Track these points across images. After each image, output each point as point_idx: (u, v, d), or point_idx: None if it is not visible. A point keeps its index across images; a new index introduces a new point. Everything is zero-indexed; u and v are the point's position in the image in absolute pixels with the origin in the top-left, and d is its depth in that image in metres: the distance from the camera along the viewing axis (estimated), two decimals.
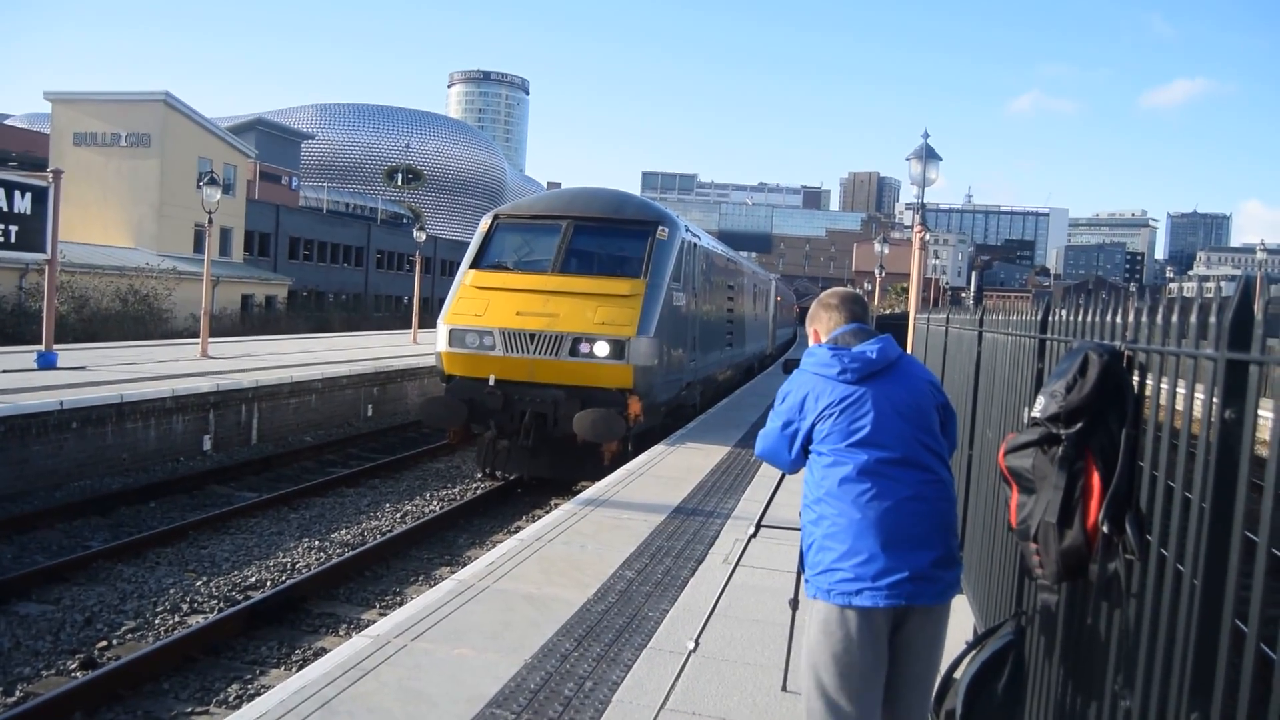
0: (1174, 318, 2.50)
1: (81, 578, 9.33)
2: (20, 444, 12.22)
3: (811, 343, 3.78)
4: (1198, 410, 2.29)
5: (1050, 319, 4.09)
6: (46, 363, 16.93)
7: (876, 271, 41.56)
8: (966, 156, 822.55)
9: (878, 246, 39.24)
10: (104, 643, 7.74)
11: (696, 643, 4.64)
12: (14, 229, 16.26)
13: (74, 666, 7.23)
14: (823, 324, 3.73)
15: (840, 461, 3.35)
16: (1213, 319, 2.23)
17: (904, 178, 17.85)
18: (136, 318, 33.95)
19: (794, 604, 4.64)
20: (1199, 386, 2.32)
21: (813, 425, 3.43)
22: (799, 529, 3.78)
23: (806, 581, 3.47)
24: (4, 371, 15.84)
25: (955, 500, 3.55)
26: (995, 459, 3.21)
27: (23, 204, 16.40)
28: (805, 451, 3.50)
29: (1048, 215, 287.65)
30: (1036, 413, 2.96)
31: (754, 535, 4.63)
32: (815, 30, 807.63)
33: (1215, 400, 2.18)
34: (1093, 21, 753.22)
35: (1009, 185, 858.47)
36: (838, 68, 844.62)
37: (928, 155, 16.84)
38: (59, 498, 12.29)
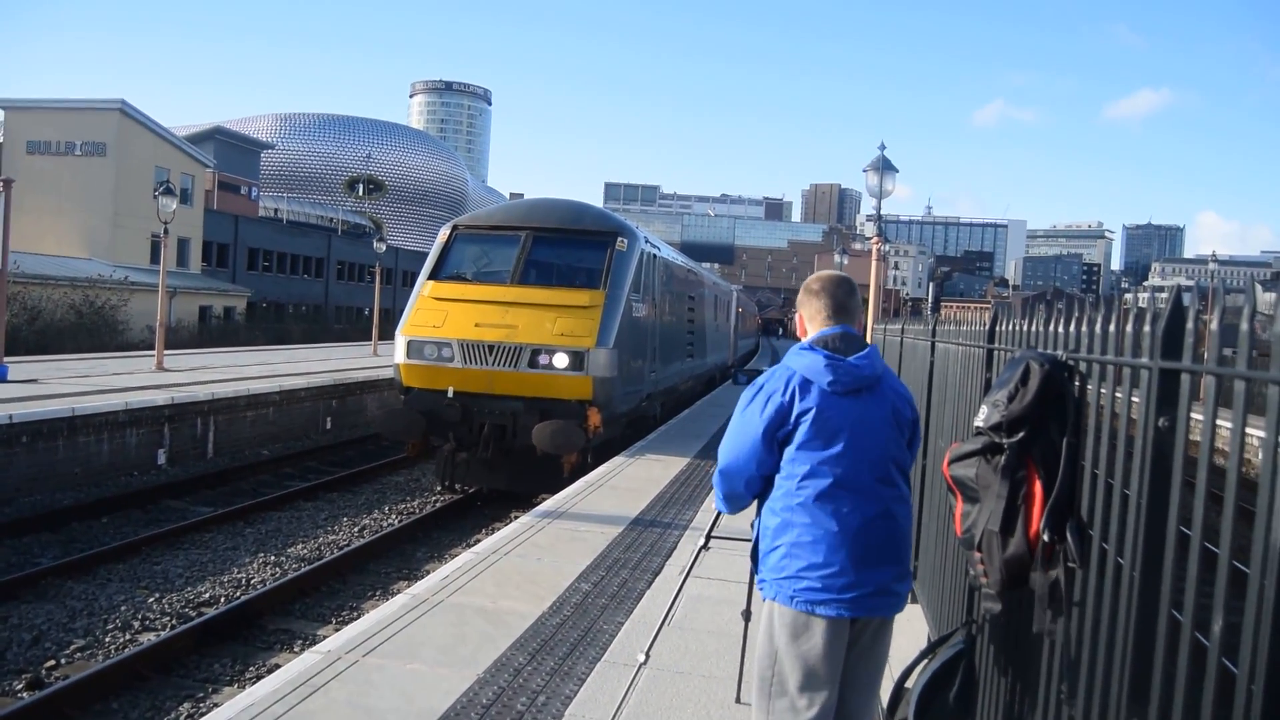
0: (1111, 328, 2.53)
1: (30, 595, 9.14)
2: None
3: (800, 329, 3.68)
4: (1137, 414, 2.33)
5: (997, 329, 4.13)
6: None
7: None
8: (930, 167, 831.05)
9: (838, 258, 39.49)
10: (52, 662, 7.60)
11: (647, 655, 4.61)
12: None
13: (20, 687, 7.08)
14: (809, 310, 3.62)
15: (817, 473, 3.31)
16: (1146, 329, 2.26)
17: (865, 189, 17.97)
18: (91, 330, 33.42)
19: (746, 615, 4.62)
20: (1135, 393, 2.36)
21: (793, 429, 3.37)
22: (749, 539, 3.77)
23: (762, 583, 3.44)
24: None
25: (913, 515, 3.57)
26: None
27: None
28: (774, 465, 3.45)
29: (1006, 227, 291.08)
30: (979, 422, 2.98)
31: (705, 546, 4.61)
32: (777, 45, 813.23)
33: (1151, 406, 2.21)
34: (1059, 29, 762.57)
35: (972, 195, 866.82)
36: (801, 79, 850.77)
37: (885, 167, 16.98)
38: (8, 513, 12.03)
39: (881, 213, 18.73)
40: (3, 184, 17.14)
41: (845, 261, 37.93)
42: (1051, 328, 3.18)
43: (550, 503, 9.98)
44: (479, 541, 10.52)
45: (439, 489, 14.50)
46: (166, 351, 22.47)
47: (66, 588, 9.40)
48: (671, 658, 5.56)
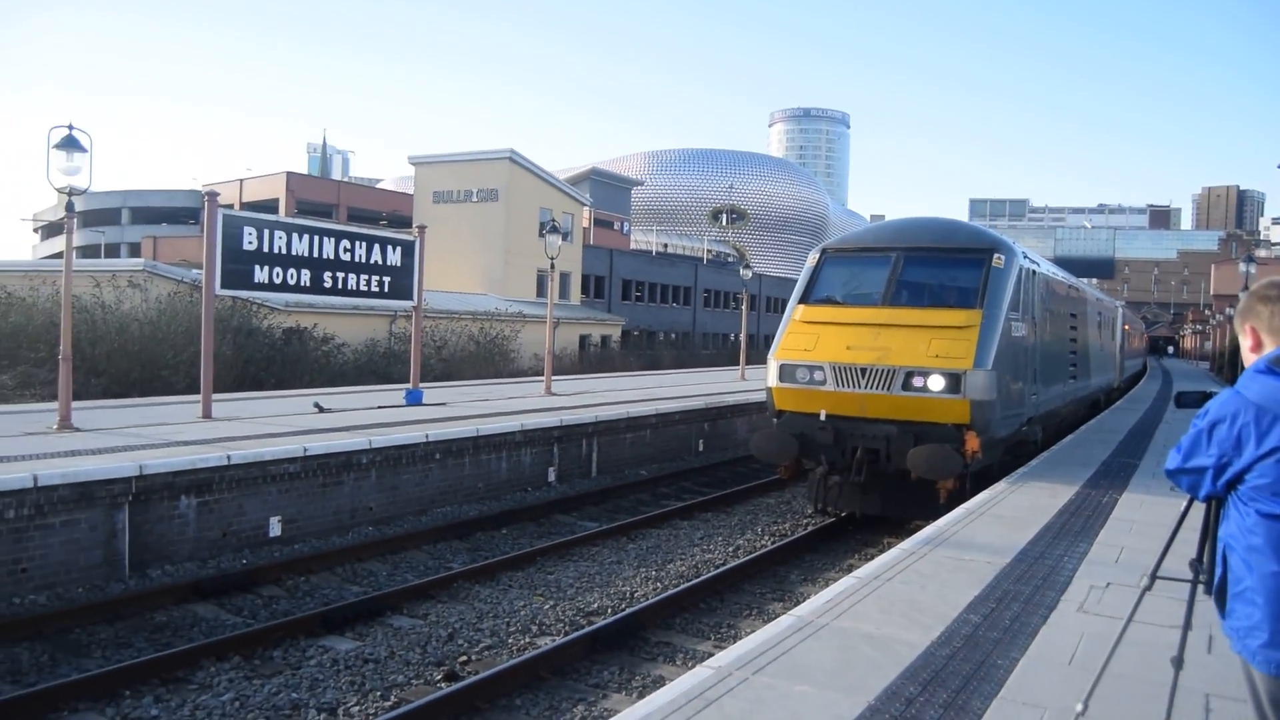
0: None
1: (444, 596, 10.14)
2: (393, 472, 13.50)
3: (1247, 344, 3.24)
4: None
5: None
6: (413, 399, 18.63)
7: (1240, 296, 37.58)
8: None
9: (1242, 267, 35.48)
10: (464, 657, 8.35)
11: (1085, 705, 4.25)
12: (386, 280, 18.07)
13: (439, 677, 7.84)
14: (1263, 322, 3.17)
15: (1271, 517, 2.94)
16: None
17: (1271, 188, 16.00)
18: (486, 358, 36.65)
19: (1177, 663, 4.09)
20: None
21: (1248, 467, 3.00)
22: (1189, 581, 3.47)
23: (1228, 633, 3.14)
24: (379, 408, 17.57)
25: None
26: None
27: (393, 258, 18.20)
28: (1229, 486, 3.11)
29: None
30: None
31: (1149, 588, 4.15)
32: (1161, 29, 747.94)
33: None
34: None
35: None
36: (1187, 72, 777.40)
37: None
38: (425, 522, 13.43)
39: None
40: (417, 231, 19.23)
41: (1252, 270, 34.05)
42: None
43: (930, 529, 9.65)
44: (854, 566, 10.41)
45: (810, 512, 14.50)
46: (552, 377, 24.12)
47: (474, 591, 10.32)
48: (1074, 700, 5.16)
